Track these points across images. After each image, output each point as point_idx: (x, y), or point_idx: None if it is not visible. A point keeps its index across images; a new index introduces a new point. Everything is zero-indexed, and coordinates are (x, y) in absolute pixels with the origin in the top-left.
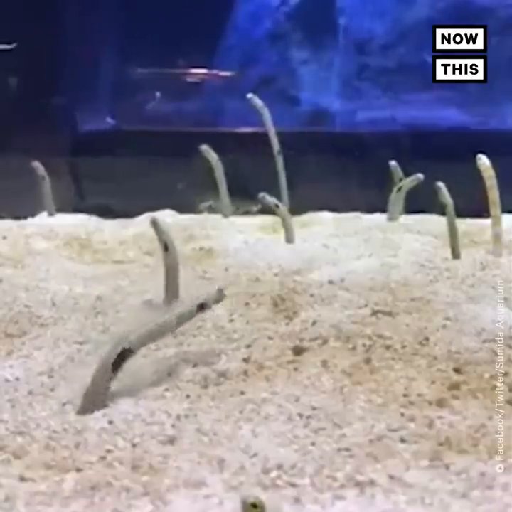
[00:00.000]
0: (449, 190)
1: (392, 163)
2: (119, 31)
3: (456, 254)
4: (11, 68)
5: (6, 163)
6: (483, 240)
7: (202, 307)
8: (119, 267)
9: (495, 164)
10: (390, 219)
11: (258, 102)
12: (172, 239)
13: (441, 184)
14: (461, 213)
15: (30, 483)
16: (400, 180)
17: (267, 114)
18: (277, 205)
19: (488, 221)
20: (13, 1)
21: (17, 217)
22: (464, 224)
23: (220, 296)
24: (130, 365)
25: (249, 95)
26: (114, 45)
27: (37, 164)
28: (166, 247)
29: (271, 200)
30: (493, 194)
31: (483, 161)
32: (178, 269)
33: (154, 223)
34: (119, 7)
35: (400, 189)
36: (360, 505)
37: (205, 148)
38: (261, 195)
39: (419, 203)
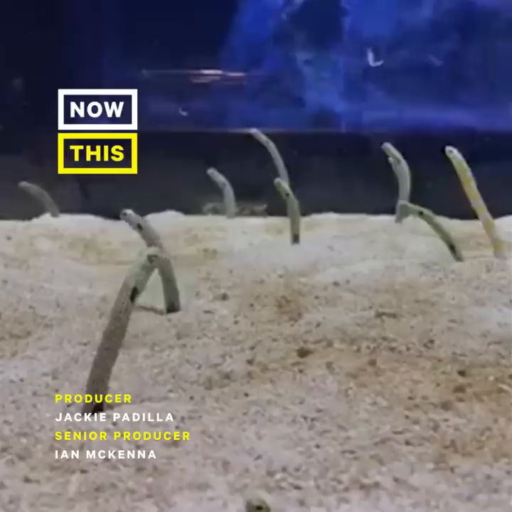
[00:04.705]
0: (452, 190)
1: (387, 144)
2: (122, 33)
3: (460, 256)
4: (22, 70)
5: (10, 163)
6: (489, 241)
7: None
8: (123, 267)
9: (500, 165)
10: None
11: (262, 137)
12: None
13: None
14: (465, 215)
15: (35, 485)
16: (398, 161)
17: (273, 147)
18: (288, 194)
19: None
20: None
21: (22, 218)
22: (468, 225)
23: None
24: (133, 366)
25: (253, 130)
26: (118, 46)
27: (26, 184)
28: (139, 227)
29: (285, 187)
30: (471, 189)
31: (454, 154)
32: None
33: (127, 218)
34: (121, 9)
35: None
36: (365, 508)
37: (211, 171)
38: (277, 180)
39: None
